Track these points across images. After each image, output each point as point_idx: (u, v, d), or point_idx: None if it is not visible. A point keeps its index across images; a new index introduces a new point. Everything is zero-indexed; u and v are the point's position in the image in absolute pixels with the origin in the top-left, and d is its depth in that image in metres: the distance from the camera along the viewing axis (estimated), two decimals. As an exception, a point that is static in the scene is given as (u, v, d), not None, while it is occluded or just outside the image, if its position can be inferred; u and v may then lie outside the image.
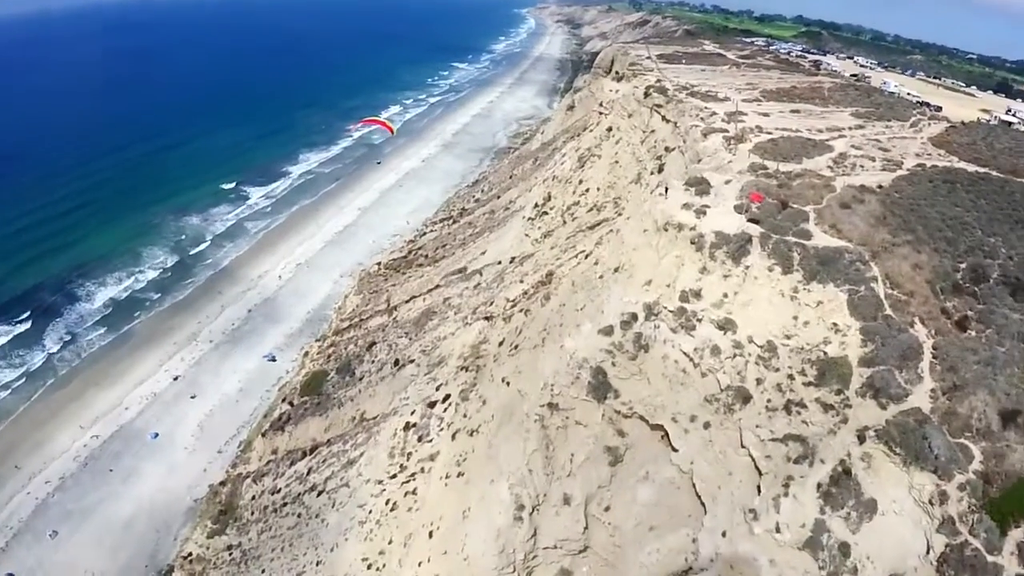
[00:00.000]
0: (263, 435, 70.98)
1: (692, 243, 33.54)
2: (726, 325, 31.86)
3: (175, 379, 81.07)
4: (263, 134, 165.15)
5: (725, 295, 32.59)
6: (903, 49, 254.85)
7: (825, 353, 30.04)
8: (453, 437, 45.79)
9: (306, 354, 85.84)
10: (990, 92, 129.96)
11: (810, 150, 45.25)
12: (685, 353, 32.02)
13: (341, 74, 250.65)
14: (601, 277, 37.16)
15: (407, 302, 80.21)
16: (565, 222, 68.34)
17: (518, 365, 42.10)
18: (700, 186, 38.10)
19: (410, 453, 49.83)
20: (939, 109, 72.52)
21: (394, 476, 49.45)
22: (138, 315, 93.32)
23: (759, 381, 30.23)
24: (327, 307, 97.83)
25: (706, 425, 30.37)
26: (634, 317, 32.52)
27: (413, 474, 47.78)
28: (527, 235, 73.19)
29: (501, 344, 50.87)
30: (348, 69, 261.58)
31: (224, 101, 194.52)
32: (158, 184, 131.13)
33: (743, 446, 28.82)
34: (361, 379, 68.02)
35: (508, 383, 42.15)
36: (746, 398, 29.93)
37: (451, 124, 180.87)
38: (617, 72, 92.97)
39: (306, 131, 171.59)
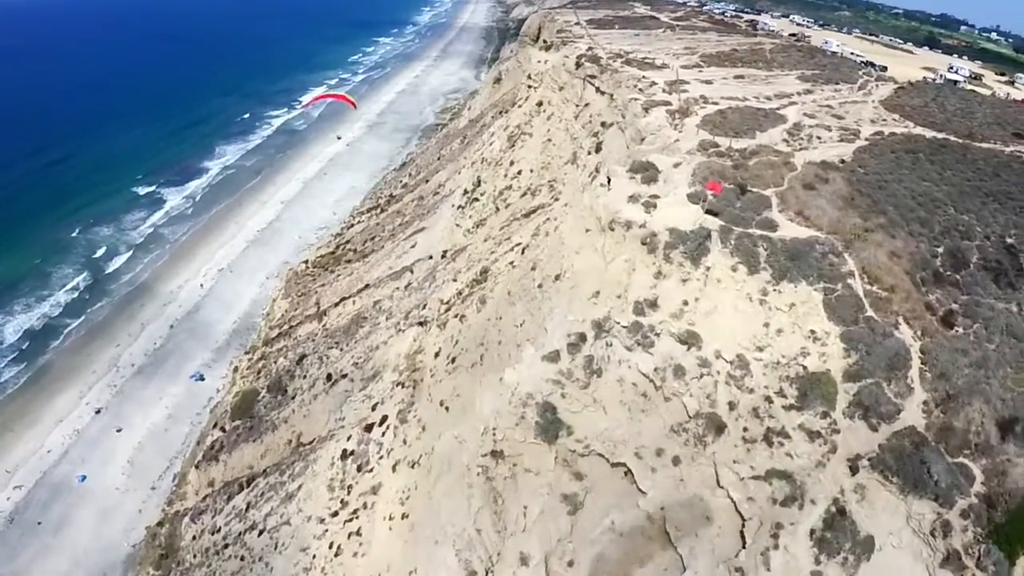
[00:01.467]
0: (197, 467, 64.97)
1: (643, 244, 29.00)
2: (689, 339, 27.61)
3: (98, 412, 74.22)
4: (175, 129, 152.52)
5: (685, 303, 28.29)
6: (831, 5, 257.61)
7: (804, 368, 26.21)
8: (394, 468, 40.79)
9: (235, 369, 78.94)
10: (925, 48, 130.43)
11: (762, 121, 41.35)
12: (644, 375, 27.69)
13: (257, 58, 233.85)
14: (540, 287, 32.28)
15: (336, 305, 73.85)
16: (498, 209, 63.10)
17: (455, 387, 37.11)
18: (647, 172, 33.50)
19: (350, 486, 44.62)
20: (884, 69, 70.23)
21: (335, 514, 44.20)
22: (53, 345, 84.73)
23: (732, 405, 26.21)
24: (254, 314, 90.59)
25: (675, 461, 26.22)
26: (582, 338, 27.87)
27: (356, 511, 42.65)
28: (458, 225, 67.70)
29: (437, 355, 45.76)
30: (264, 52, 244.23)
31: (128, 97, 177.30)
32: (63, 196, 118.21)
33: (720, 486, 24.83)
34: (294, 397, 62.01)
35: (447, 408, 37.15)
36: (719, 427, 25.89)
37: (376, 103, 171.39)
38: (545, 41, 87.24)
39: (222, 122, 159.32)
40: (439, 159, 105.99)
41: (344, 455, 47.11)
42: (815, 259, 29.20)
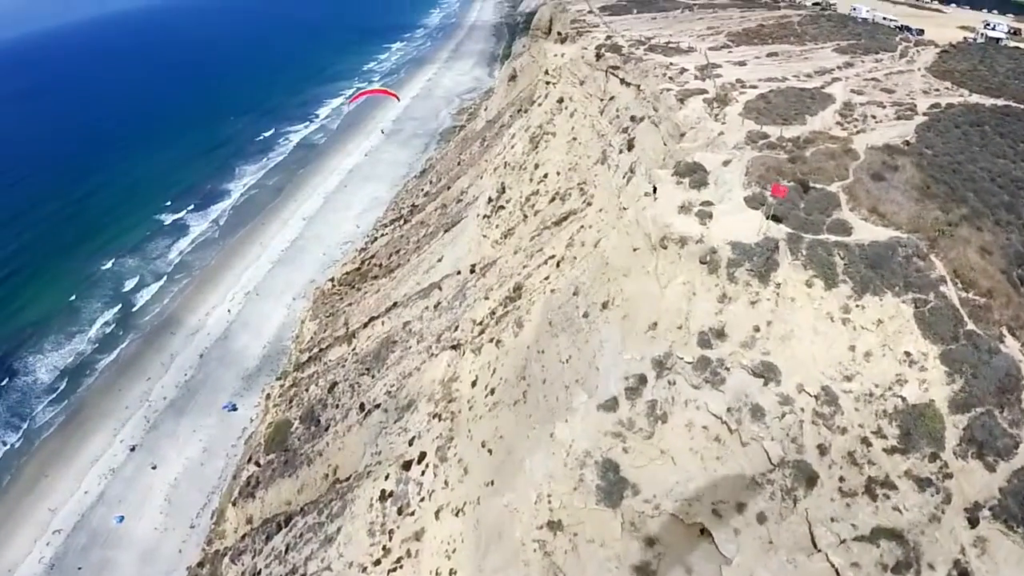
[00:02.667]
0: (234, 503, 63.66)
1: (703, 262, 25.29)
2: (765, 372, 23.89)
3: (132, 449, 73.50)
4: (196, 153, 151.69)
5: (756, 329, 24.53)
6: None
7: (903, 399, 22.29)
8: (437, 515, 37.92)
9: (267, 397, 77.40)
10: (953, 5, 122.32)
11: (809, 104, 37.17)
12: (716, 416, 24.11)
13: (272, 75, 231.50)
14: (586, 316, 28.80)
15: (365, 326, 71.49)
16: (526, 216, 59.68)
17: (498, 428, 33.98)
18: (694, 175, 29.69)
19: (392, 531, 42.06)
20: (921, 32, 64.69)
21: (378, 562, 41.66)
22: (86, 382, 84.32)
23: (823, 450, 22.47)
24: (284, 337, 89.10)
25: (761, 518, 22.61)
26: (642, 380, 24.37)
27: (399, 559, 40.01)
28: (485, 236, 64.49)
29: (474, 384, 42.75)
30: (278, 68, 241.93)
31: (148, 127, 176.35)
32: (90, 230, 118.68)
33: (818, 548, 21.14)
34: (327, 428, 59.87)
35: (490, 451, 34.04)
36: (811, 478, 22.18)
37: (391, 110, 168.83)
38: (559, 33, 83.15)
39: (242, 142, 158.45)
40: (459, 164, 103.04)
41: (383, 496, 44.56)
42: (899, 264, 25.13)
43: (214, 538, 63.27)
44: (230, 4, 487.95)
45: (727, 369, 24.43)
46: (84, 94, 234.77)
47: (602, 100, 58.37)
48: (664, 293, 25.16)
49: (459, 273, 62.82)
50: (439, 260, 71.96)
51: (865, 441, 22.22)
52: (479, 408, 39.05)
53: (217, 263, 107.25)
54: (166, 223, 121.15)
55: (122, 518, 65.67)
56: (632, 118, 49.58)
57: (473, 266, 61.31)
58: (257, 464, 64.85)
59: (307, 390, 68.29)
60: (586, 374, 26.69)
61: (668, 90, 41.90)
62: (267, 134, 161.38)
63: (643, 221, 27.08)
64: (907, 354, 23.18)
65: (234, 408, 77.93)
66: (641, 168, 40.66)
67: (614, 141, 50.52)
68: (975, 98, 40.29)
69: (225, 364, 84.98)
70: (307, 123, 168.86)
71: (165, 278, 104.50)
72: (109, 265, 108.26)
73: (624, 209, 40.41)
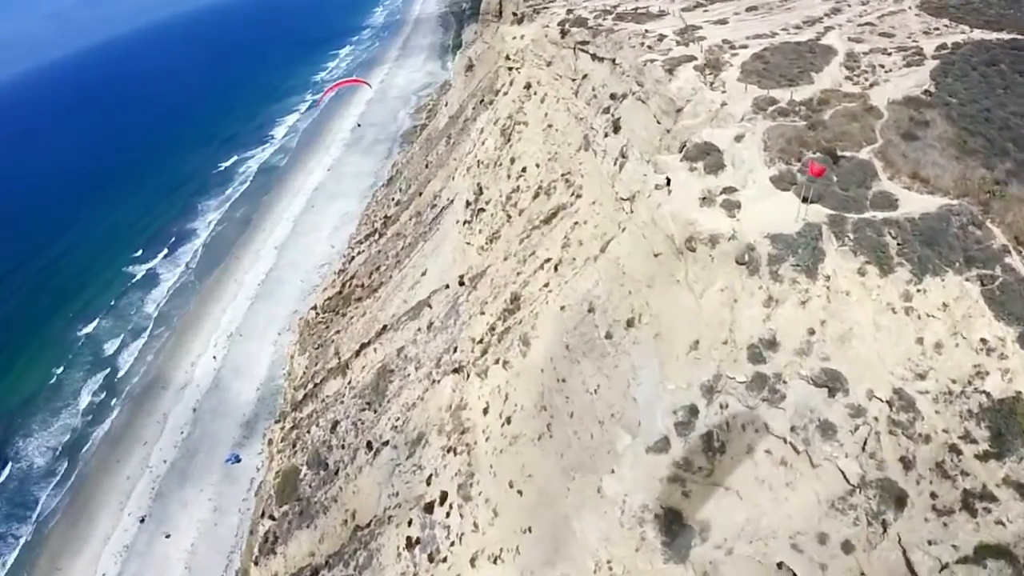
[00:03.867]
0: (256, 563, 60.18)
1: (741, 263, 21.94)
2: (828, 380, 20.78)
3: (142, 521, 69.77)
4: (157, 196, 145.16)
5: (811, 332, 21.34)
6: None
7: (987, 395, 19.24)
8: (473, 563, 34.63)
9: (270, 442, 73.77)
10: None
11: (810, 59, 33.77)
12: (780, 437, 20.98)
13: (221, 103, 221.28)
14: (609, 337, 25.36)
15: (358, 355, 67.71)
16: (510, 217, 56.00)
17: (525, 465, 30.63)
18: (707, 157, 26.21)
19: (427, 582, 38.77)
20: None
21: (417, 617, 38.59)
22: (82, 459, 79.81)
23: (907, 464, 19.44)
24: (275, 376, 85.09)
25: (847, 548, 19.61)
26: (693, 411, 21.14)
27: (439, 613, 36.87)
28: (468, 243, 60.79)
29: (486, 412, 39.38)
30: (227, 95, 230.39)
31: (105, 176, 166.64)
32: (62, 295, 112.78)
33: (917, 576, 18.23)
34: (337, 472, 56.38)
35: (520, 492, 30.72)
36: (899, 497, 19.18)
37: (347, 118, 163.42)
38: (514, 13, 78.81)
39: (202, 177, 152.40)
40: (427, 167, 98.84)
41: (410, 543, 41.28)
42: (955, 237, 21.93)
43: (242, 601, 60.17)
44: (169, 40, 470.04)
45: (785, 383, 21.29)
46: (33, 147, 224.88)
47: (574, 80, 54.60)
48: (701, 304, 21.85)
49: (447, 287, 59.19)
50: (423, 274, 68.21)
51: (954, 449, 19.18)
52: (497, 440, 35.72)
53: (195, 309, 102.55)
54: (138, 276, 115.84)
55: None
56: (612, 96, 45.95)
57: (461, 277, 57.70)
58: (272, 518, 61.36)
59: (309, 432, 64.58)
60: (622, 408, 23.37)
61: (652, 61, 38.14)
62: (226, 164, 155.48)
63: (661, 221, 23.62)
64: (983, 341, 20.05)
65: (237, 459, 74.29)
66: (634, 152, 37.12)
67: (596, 124, 46.89)
68: (978, 34, 37.20)
69: (220, 415, 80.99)
70: (265, 146, 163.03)
71: (145, 335, 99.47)
72: (88, 330, 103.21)
73: (623, 200, 36.98)
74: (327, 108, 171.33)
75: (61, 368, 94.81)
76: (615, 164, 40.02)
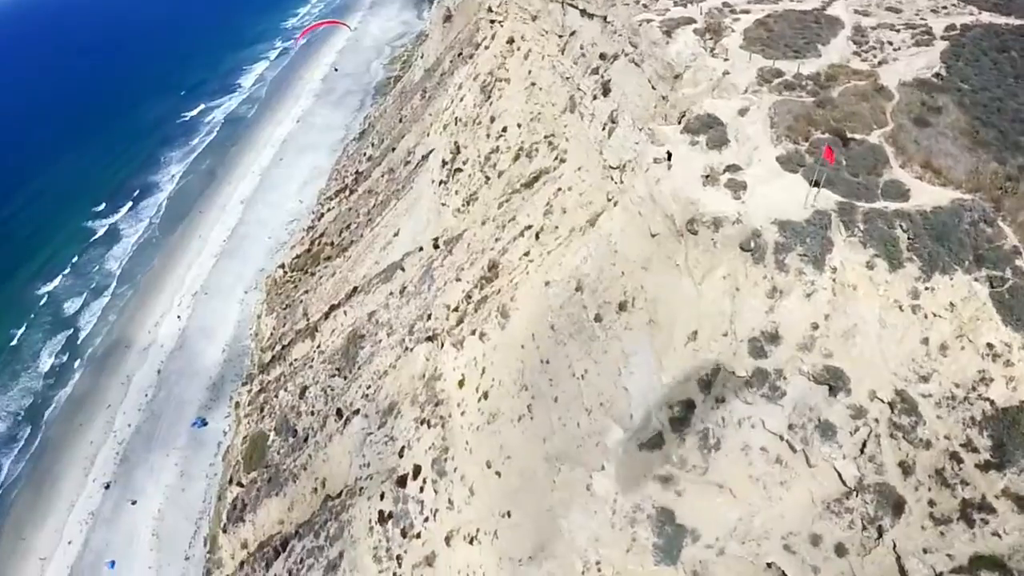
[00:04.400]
0: (224, 530, 59.25)
1: (746, 249, 20.56)
2: (830, 378, 19.78)
3: (107, 487, 68.08)
4: (118, 148, 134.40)
5: (815, 327, 20.22)
6: None
7: (991, 403, 18.50)
8: (448, 541, 33.78)
9: (237, 405, 72.11)
10: None
11: (816, 30, 31.79)
12: (776, 435, 20.09)
13: (186, 48, 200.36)
14: (599, 320, 23.96)
15: (327, 317, 65.72)
16: (488, 179, 53.72)
17: (503, 447, 29.51)
18: (711, 131, 24.44)
19: (399, 556, 38.04)
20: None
21: (390, 590, 37.96)
22: (45, 423, 76.75)
23: (906, 469, 18.71)
24: (242, 337, 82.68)
25: (840, 551, 18.99)
26: (689, 407, 19.99)
27: (414, 586, 36.25)
28: (444, 204, 58.48)
29: (462, 384, 38.09)
30: (193, 41, 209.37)
31: (63, 123, 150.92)
32: (21, 254, 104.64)
33: (912, 586, 17.74)
34: (306, 440, 55.13)
35: (498, 473, 29.69)
36: (897, 503, 18.52)
37: (318, 68, 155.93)
38: (497, -37, 74.72)
39: (166, 127, 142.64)
40: (401, 121, 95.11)
41: (382, 517, 40.26)
42: (966, 234, 20.69)
43: (212, 568, 59.08)
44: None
45: (785, 379, 20.23)
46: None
47: (561, 37, 51.75)
48: (701, 291, 20.48)
49: (421, 250, 57.12)
50: (396, 235, 65.83)
51: (955, 457, 18.45)
52: (473, 415, 34.52)
53: (158, 267, 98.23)
54: (99, 232, 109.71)
55: (113, 563, 61.54)
56: (602, 56, 43.53)
57: (436, 240, 55.64)
58: (240, 484, 60.06)
59: (277, 396, 62.85)
60: (612, 397, 22.12)
61: (648, 21, 35.80)
62: (191, 114, 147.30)
63: (660, 198, 21.96)
64: (989, 346, 19.10)
65: (204, 423, 72.53)
66: (625, 118, 35.11)
67: (583, 85, 44.54)
68: (986, 16, 35.56)
69: (186, 376, 78.66)
70: (232, 95, 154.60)
71: (108, 293, 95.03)
72: (48, 288, 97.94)
73: (612, 168, 35.23)
74: (297, 56, 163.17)
75: (21, 329, 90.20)
76: (604, 129, 38.02)
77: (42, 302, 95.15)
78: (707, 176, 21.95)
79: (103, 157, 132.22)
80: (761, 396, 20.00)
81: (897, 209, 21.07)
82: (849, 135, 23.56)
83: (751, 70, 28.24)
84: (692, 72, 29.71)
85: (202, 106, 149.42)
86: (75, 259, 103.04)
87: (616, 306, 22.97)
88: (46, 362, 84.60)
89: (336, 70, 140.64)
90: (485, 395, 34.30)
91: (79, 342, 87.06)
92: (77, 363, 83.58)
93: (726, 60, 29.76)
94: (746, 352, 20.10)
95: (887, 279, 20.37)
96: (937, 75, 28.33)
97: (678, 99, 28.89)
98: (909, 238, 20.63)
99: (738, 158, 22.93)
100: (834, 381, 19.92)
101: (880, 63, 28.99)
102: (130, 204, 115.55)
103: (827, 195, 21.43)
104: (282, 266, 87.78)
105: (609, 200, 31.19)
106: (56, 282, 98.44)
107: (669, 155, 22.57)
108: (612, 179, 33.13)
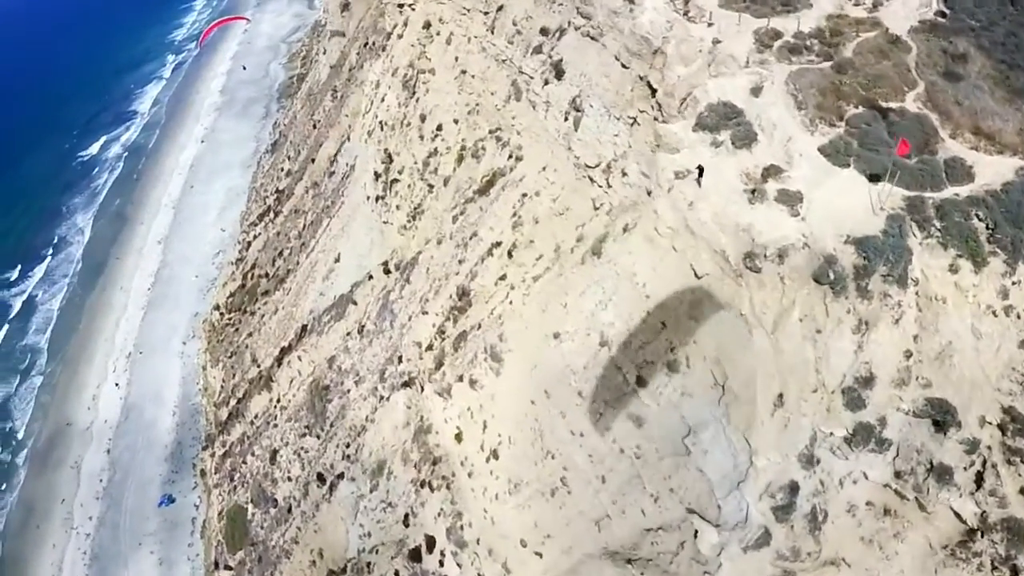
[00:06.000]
0: None
1: (821, 281, 16.72)
2: (935, 411, 16.41)
3: None
4: (11, 205, 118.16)
5: (908, 355, 16.68)
6: None
7: None
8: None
9: (203, 473, 66.21)
10: None
11: (793, -25, 27.85)
12: (884, 486, 16.73)
13: (70, 82, 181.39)
14: (642, 383, 19.67)
15: (280, 363, 59.63)
16: (432, 187, 48.16)
17: (538, 523, 25.28)
18: (730, 123, 20.11)
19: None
20: None
21: None
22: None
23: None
24: (190, 394, 75.86)
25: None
26: (793, 489, 16.32)
27: None
28: (385, 222, 52.73)
29: (460, 440, 33.61)
30: (75, 72, 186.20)
31: None
32: None
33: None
34: (290, 510, 49.68)
35: (539, 554, 25.56)
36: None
37: (213, 79, 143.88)
38: (392, -60, 67.42)
39: (63, 173, 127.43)
40: (315, 127, 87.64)
41: (401, 599, 35.96)
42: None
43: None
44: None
45: (884, 423, 16.73)
46: None
47: (486, 14, 45.99)
48: (776, 342, 16.57)
49: (371, 278, 51.53)
50: (336, 260, 59.56)
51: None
52: (486, 479, 30.09)
53: (84, 331, 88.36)
54: (16, 306, 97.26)
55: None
56: (543, 31, 38.22)
57: (386, 264, 50.15)
58: (228, 567, 54.37)
59: (245, 461, 56.85)
60: (684, 481, 18.10)
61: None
62: (90, 152, 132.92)
63: (701, 228, 17.68)
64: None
65: (171, 500, 66.10)
66: (593, 104, 30.46)
67: (527, 67, 39.20)
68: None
69: (139, 451, 71.41)
70: (129, 123, 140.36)
71: (37, 373, 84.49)
72: None
73: (589, 168, 30.82)
74: (190, 71, 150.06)
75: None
76: (567, 120, 33.27)
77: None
78: (753, 191, 17.75)
79: (1, 220, 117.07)
80: (869, 452, 16.45)
81: (970, 195, 17.52)
82: (883, 104, 19.87)
83: (745, 34, 23.93)
84: (675, 45, 25.04)
85: (100, 141, 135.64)
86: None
87: (664, 366, 18.83)
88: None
89: (244, 68, 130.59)
90: (494, 454, 29.87)
91: (17, 435, 77.40)
92: (19, 459, 74.61)
93: (710, 25, 25.30)
94: (842, 406, 16.44)
95: (974, 282, 17.01)
96: (940, 13, 24.95)
97: (671, 83, 24.31)
98: (988, 228, 17.16)
99: (774, 156, 18.77)
100: (940, 415, 16.50)
101: (875, 5, 25.34)
102: (42, 267, 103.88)
103: (890, 190, 17.69)
104: (217, 307, 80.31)
105: (597, 209, 26.78)
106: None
107: (701, 171, 18.25)
108: (592, 180, 28.65)
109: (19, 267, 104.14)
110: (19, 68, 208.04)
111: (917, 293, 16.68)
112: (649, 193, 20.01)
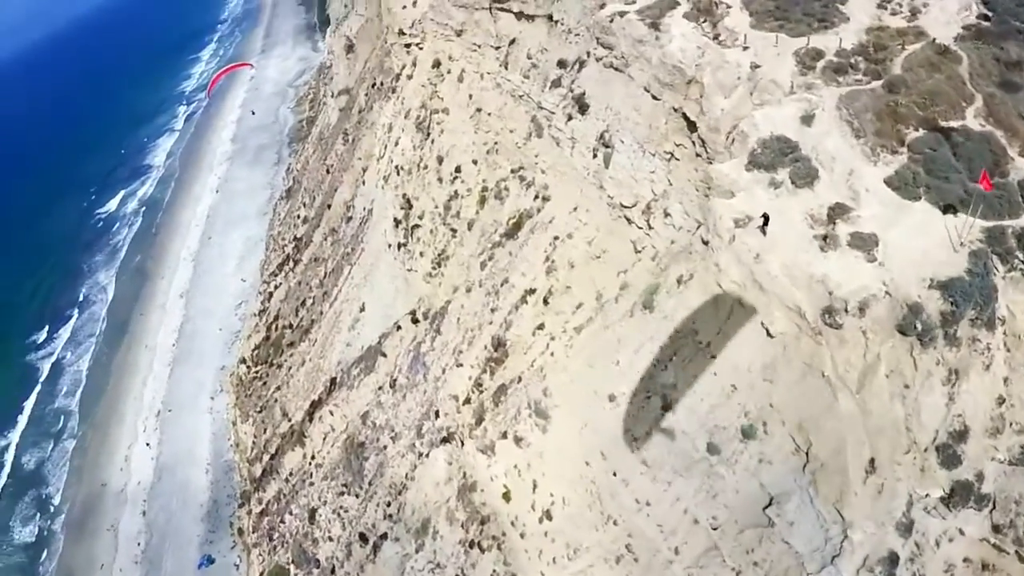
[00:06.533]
0: None
1: (906, 332, 15.24)
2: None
3: None
4: (36, 265, 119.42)
5: (1000, 401, 15.20)
6: None
7: None
8: None
9: (240, 532, 64.94)
10: None
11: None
12: (982, 540, 15.12)
13: (85, 138, 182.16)
14: (714, 451, 18.17)
15: (311, 419, 58.66)
16: (455, 231, 47.08)
17: None
18: (788, 159, 18.70)
19: None
20: None
21: None
22: None
23: None
24: (222, 451, 75.09)
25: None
26: (892, 560, 14.76)
27: None
28: (409, 270, 51.67)
29: (508, 499, 32.08)
30: (89, 128, 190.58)
31: None
32: None
33: None
34: (333, 571, 48.22)
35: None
36: None
37: (223, 129, 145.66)
38: (393, -24, 67.53)
39: (82, 232, 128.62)
40: (328, 172, 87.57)
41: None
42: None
43: None
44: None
45: (982, 478, 15.05)
46: None
47: (497, 48, 45.30)
48: (864, 403, 15.13)
49: (399, 329, 50.42)
50: (361, 310, 58.73)
51: None
52: (540, 541, 28.53)
53: (112, 392, 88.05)
54: (44, 370, 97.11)
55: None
56: (561, 63, 37.22)
57: (414, 314, 49.05)
58: (271, 629, 53.03)
59: (283, 520, 55.68)
60: (772, 556, 16.62)
61: (622, 14, 29.70)
62: (108, 209, 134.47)
63: (772, 283, 16.31)
64: None
65: (211, 561, 65.09)
66: (624, 140, 29.27)
67: (546, 102, 38.19)
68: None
69: (175, 512, 70.61)
70: (145, 177, 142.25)
71: (69, 436, 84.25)
72: (5, 443, 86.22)
73: (625, 208, 29.60)
74: (201, 120, 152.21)
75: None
76: (595, 156, 32.14)
77: (3, 466, 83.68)
78: (824, 237, 16.34)
79: (26, 281, 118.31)
80: (969, 509, 14.80)
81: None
82: (943, 123, 18.47)
83: (785, 56, 22.54)
84: (711, 73, 23.75)
85: (118, 197, 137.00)
86: (25, 408, 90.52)
87: (737, 432, 17.37)
88: (21, 533, 74.78)
89: (253, 113, 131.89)
90: (547, 515, 28.38)
91: (54, 501, 76.97)
92: (56, 526, 74.06)
93: (746, 48, 23.95)
94: (937, 464, 14.84)
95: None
96: (983, 16, 23.52)
97: (715, 116, 22.94)
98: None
99: (838, 192, 17.36)
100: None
101: (914, 13, 24.00)
102: (68, 327, 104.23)
103: (971, 223, 16.20)
104: (243, 360, 79.76)
105: (638, 252, 25.45)
106: (14, 437, 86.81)
107: (766, 219, 16.91)
108: (630, 221, 27.38)
109: (46, 328, 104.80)
110: (36, 125, 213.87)
111: (1005, 332, 15.13)
112: (705, 243, 18.70)
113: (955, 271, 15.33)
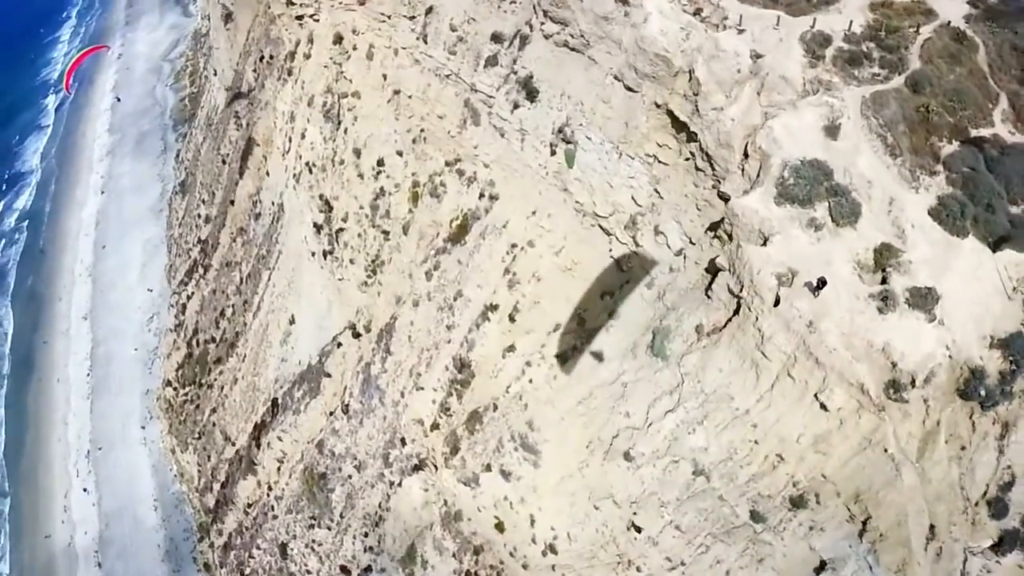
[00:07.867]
0: None
1: (968, 396, 13.59)
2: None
3: None
4: None
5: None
6: None
7: None
8: None
9: (207, 567, 61.01)
10: None
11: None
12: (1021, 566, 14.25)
13: None
14: (758, 519, 16.35)
15: (258, 444, 54.55)
16: (387, 233, 42.52)
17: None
18: (826, 190, 15.97)
19: None
20: None
21: None
22: None
23: None
24: (167, 484, 69.95)
25: None
26: None
27: None
28: (340, 279, 47.05)
29: (502, 531, 30.19)
30: None
31: None
32: None
33: None
34: (317, 607, 45.64)
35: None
36: None
37: (97, 118, 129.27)
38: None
39: None
40: (224, 163, 79.53)
41: None
42: None
43: None
44: None
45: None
46: None
47: (412, 19, 39.97)
48: (923, 472, 13.54)
49: (339, 345, 46.42)
50: (291, 322, 54.06)
51: None
52: (546, 573, 27.09)
53: (32, 438, 79.02)
54: None
55: None
56: (496, 38, 32.70)
57: (354, 328, 45.17)
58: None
59: (252, 556, 52.10)
60: None
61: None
62: None
63: (830, 357, 14.05)
64: None
65: (176, 605, 60.62)
66: (593, 138, 25.84)
67: (481, 84, 33.89)
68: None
69: (132, 556, 65.57)
70: (19, 187, 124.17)
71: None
72: None
73: (599, 216, 26.88)
74: (72, 112, 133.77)
75: None
76: (552, 153, 28.74)
77: None
78: (883, 297, 14.09)
79: None
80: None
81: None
82: (973, 130, 16.49)
83: (790, 42, 19.41)
84: (703, 64, 20.31)
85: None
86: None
87: (785, 502, 15.54)
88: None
89: (119, 100, 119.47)
90: (551, 548, 26.65)
91: (2, 570, 69.45)
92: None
93: (741, 31, 20.59)
94: (987, 517, 13.67)
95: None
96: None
97: (722, 129, 19.54)
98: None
99: (881, 228, 14.94)
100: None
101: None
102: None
103: (1012, 257, 14.45)
104: (168, 383, 73.49)
105: (623, 271, 22.86)
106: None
107: (821, 283, 14.37)
108: (608, 232, 24.55)
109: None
110: None
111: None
112: (739, 302, 16.06)
113: (1013, 324, 13.74)
